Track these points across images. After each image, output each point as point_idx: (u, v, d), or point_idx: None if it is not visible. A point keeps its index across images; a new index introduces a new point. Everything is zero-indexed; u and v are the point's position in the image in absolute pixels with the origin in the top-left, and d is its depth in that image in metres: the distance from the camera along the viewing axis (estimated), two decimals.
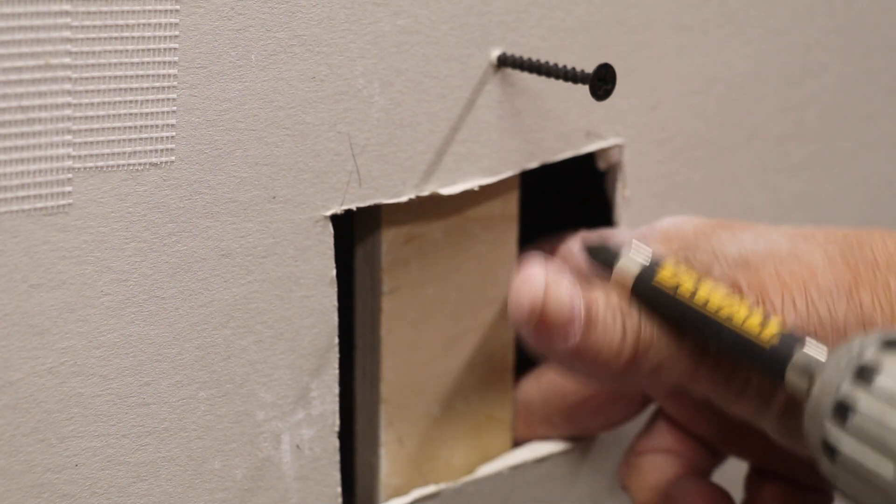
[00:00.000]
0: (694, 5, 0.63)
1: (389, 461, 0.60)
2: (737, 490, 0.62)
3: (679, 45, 0.63)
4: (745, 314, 0.50)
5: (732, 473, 0.64)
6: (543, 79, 0.57)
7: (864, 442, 0.45)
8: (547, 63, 0.55)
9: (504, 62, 0.57)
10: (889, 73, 0.72)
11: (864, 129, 0.72)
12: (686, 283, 0.51)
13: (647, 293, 0.51)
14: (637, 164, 0.63)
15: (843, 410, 0.45)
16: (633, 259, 0.52)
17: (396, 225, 0.58)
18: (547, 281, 0.51)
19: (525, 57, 0.56)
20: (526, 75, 0.57)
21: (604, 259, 0.53)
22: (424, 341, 0.60)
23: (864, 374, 0.45)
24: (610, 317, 0.51)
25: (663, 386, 0.52)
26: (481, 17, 0.56)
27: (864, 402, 0.45)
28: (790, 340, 0.49)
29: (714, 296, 0.50)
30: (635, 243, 0.53)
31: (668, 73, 0.63)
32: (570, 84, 0.55)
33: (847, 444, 0.45)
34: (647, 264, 0.52)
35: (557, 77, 0.55)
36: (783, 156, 0.69)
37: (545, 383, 0.64)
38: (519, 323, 0.51)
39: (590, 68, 0.54)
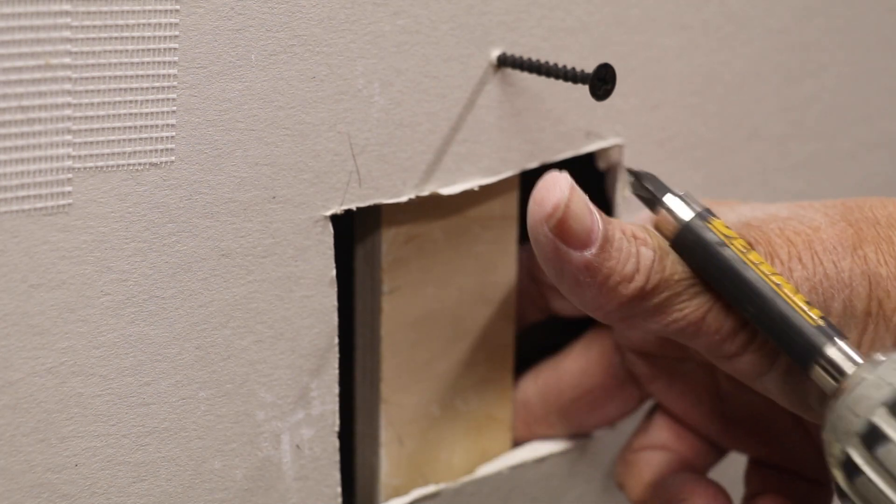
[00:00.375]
0: (694, 5, 0.63)
1: (389, 461, 0.60)
2: (737, 488, 0.62)
3: (679, 45, 0.63)
4: (793, 289, 0.49)
5: (732, 472, 0.64)
6: (543, 79, 0.57)
7: (890, 475, 0.44)
8: (547, 63, 0.55)
9: (504, 62, 0.57)
10: (889, 73, 0.72)
11: (864, 129, 0.72)
12: (739, 240, 0.50)
13: (692, 238, 0.50)
14: (637, 164, 0.63)
15: (874, 436, 0.45)
16: (683, 199, 0.51)
17: (396, 225, 0.58)
18: (572, 185, 0.50)
19: (525, 57, 0.56)
20: (526, 75, 0.57)
21: (651, 190, 0.52)
22: (424, 341, 0.60)
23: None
24: (626, 243, 0.50)
25: (660, 334, 0.52)
26: (481, 17, 0.56)
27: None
28: (832, 329, 0.48)
29: (764, 265, 0.50)
30: (686, 194, 0.52)
31: (668, 73, 0.63)
32: (570, 84, 0.55)
33: (871, 470, 0.45)
34: (700, 210, 0.51)
35: (557, 77, 0.55)
36: (783, 156, 0.69)
37: (542, 381, 0.64)
38: (538, 222, 0.50)
39: (590, 68, 0.54)
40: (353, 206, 0.55)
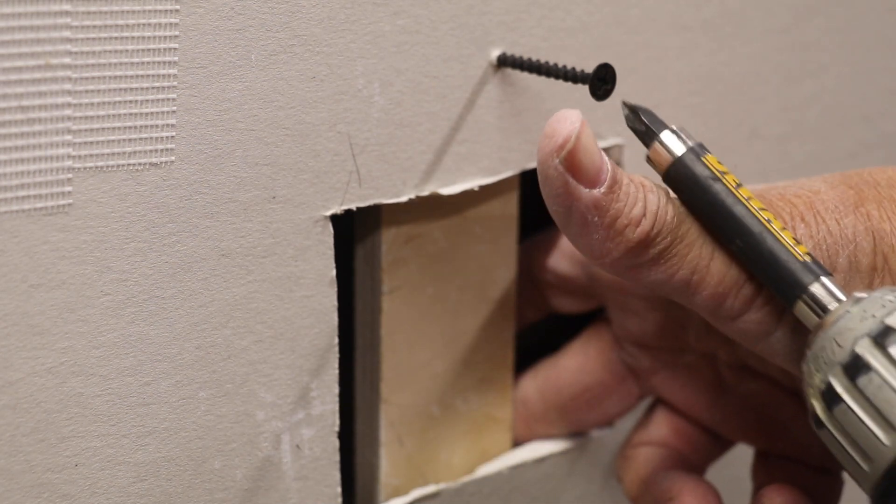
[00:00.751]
0: (694, 5, 0.63)
1: (389, 461, 0.60)
2: (737, 487, 0.62)
3: (679, 45, 0.63)
4: (781, 225, 0.49)
5: (733, 471, 0.64)
6: (543, 79, 0.57)
7: (870, 403, 0.44)
8: (547, 63, 0.55)
9: (504, 62, 0.57)
10: (889, 73, 0.72)
11: (864, 129, 0.72)
12: (731, 175, 0.50)
13: (684, 172, 0.50)
14: (637, 164, 0.63)
15: (857, 366, 0.45)
16: (677, 134, 0.51)
17: (396, 225, 0.58)
18: (583, 120, 0.49)
19: (525, 57, 0.56)
20: (526, 75, 0.57)
21: (647, 124, 0.52)
22: (424, 341, 0.60)
23: (888, 336, 0.45)
24: (633, 188, 0.50)
25: (663, 291, 0.51)
26: (481, 17, 0.56)
27: (883, 365, 0.45)
28: (818, 267, 0.48)
29: (754, 201, 0.50)
30: (680, 127, 0.52)
31: (668, 73, 0.63)
32: (570, 84, 0.55)
33: (851, 399, 0.45)
34: (693, 145, 0.51)
35: (557, 77, 0.55)
36: (783, 156, 0.69)
37: (541, 380, 0.64)
38: (548, 155, 0.49)
39: (590, 68, 0.54)
40: (353, 206, 0.55)
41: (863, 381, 0.45)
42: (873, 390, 0.44)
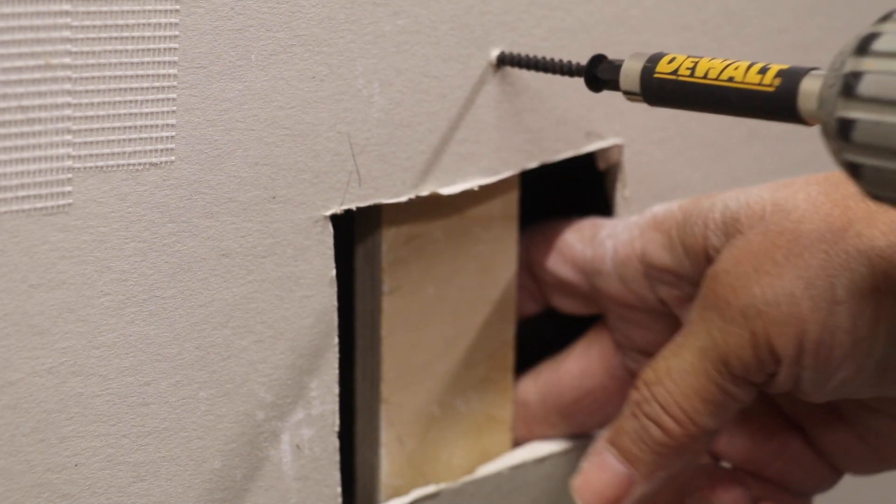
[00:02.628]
0: (694, 5, 0.63)
1: (389, 461, 0.60)
2: None
3: (679, 45, 0.63)
4: (744, 69, 0.49)
5: None
6: (543, 79, 0.57)
7: (878, 100, 0.43)
8: (544, 58, 0.55)
9: (503, 61, 0.57)
10: None
11: None
12: (684, 64, 0.50)
13: (654, 89, 0.51)
14: (637, 164, 0.63)
15: (852, 83, 0.44)
16: (633, 62, 0.51)
17: (396, 225, 0.58)
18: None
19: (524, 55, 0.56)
20: (526, 75, 0.57)
21: (610, 73, 0.52)
22: (425, 341, 0.60)
23: (865, 44, 0.44)
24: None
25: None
26: (481, 17, 0.56)
27: (871, 64, 0.43)
28: (793, 75, 0.48)
29: (713, 65, 0.49)
30: (634, 53, 0.52)
31: None
32: (570, 84, 0.55)
33: (860, 111, 0.43)
34: (647, 63, 0.51)
35: (554, 72, 0.55)
36: (783, 156, 0.69)
37: (542, 382, 0.64)
38: None
39: None
40: (353, 206, 0.55)
41: (877, 44, 0.44)
42: (874, 86, 0.43)
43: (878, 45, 0.43)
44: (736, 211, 0.54)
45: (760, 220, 0.53)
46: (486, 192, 0.59)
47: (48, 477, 0.50)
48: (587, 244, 0.61)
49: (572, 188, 0.66)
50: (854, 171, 0.44)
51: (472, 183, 0.58)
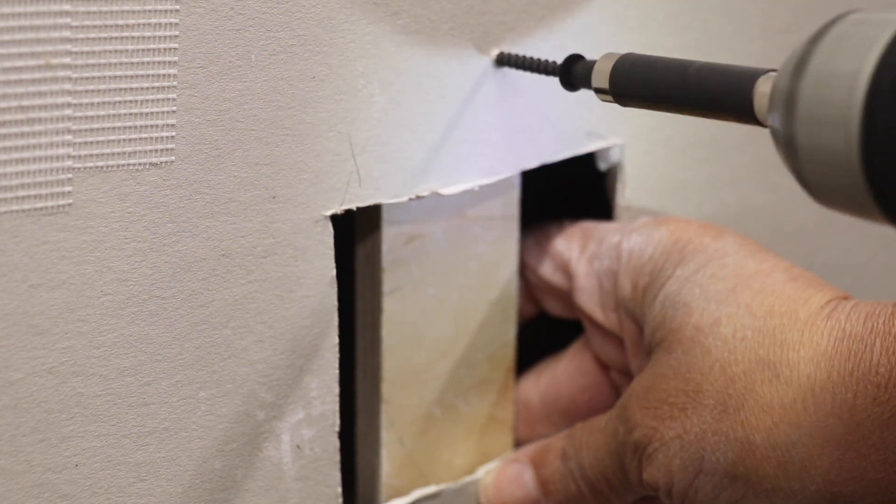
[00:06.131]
0: (694, 5, 0.63)
1: (390, 461, 0.60)
2: None
3: (679, 45, 0.63)
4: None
5: None
6: (544, 78, 0.57)
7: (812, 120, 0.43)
8: (532, 59, 0.56)
9: (502, 61, 0.57)
10: None
11: None
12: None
13: (622, 86, 0.52)
14: (637, 164, 0.63)
15: (801, 66, 0.43)
16: (605, 61, 0.52)
17: (396, 225, 0.58)
18: None
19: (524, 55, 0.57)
20: (526, 75, 0.57)
21: (583, 72, 0.53)
22: (425, 341, 0.60)
23: (802, 64, 0.43)
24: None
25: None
26: (481, 17, 0.56)
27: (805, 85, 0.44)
28: (751, 75, 0.48)
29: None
30: (607, 53, 0.53)
31: None
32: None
33: (804, 88, 0.43)
34: (618, 62, 0.52)
35: (537, 71, 0.55)
36: None
37: (543, 382, 0.64)
38: None
39: None
40: (353, 206, 0.55)
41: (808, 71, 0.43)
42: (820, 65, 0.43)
43: (812, 64, 0.43)
44: (672, 318, 0.56)
45: (679, 346, 0.55)
46: (486, 192, 0.59)
47: (48, 477, 0.50)
48: (577, 254, 0.61)
49: (572, 188, 0.66)
50: (801, 181, 0.45)
51: (472, 183, 0.58)
